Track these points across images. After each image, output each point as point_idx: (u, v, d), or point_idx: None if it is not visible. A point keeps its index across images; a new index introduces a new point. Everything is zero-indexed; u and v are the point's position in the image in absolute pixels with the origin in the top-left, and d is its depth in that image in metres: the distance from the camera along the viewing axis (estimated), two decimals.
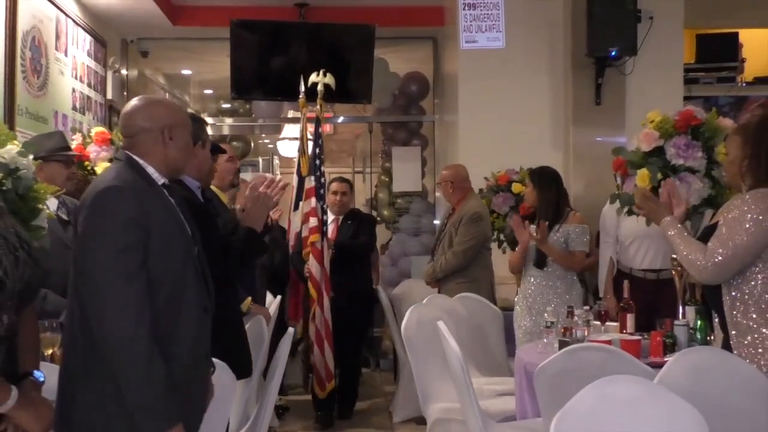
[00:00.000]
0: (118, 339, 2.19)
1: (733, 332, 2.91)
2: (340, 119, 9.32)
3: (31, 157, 3.16)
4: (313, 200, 5.82)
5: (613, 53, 6.42)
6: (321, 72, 6.06)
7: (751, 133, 2.95)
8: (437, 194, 8.47)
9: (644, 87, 6.67)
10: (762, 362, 2.78)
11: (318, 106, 6.07)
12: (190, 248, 2.47)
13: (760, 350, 2.82)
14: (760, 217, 2.79)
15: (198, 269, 2.48)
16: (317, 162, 5.96)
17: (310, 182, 5.89)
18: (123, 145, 2.57)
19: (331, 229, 6.19)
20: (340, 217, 6.27)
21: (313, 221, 5.77)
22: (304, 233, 5.81)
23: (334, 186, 6.28)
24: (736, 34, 8.46)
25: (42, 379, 2.13)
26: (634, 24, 6.43)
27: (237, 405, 3.70)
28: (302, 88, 6.02)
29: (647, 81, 6.68)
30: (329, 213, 6.21)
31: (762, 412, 2.69)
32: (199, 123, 3.46)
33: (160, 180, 2.48)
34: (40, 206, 3.10)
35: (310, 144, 6.08)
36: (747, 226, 2.81)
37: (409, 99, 8.88)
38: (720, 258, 2.82)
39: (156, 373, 2.22)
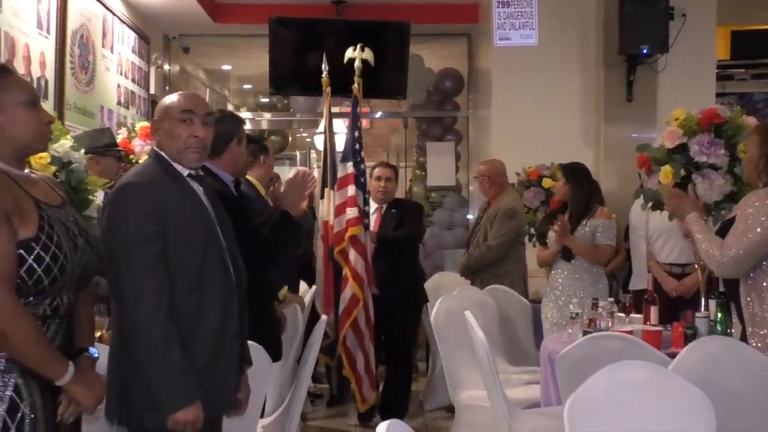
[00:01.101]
0: (136, 326, 2.37)
1: (749, 323, 3.02)
2: (378, 114, 9.47)
3: (82, 151, 3.36)
4: (351, 188, 5.17)
5: (645, 51, 6.51)
6: (358, 46, 5.50)
7: None
8: (471, 188, 8.59)
9: (676, 84, 6.75)
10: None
11: (356, 84, 5.43)
12: (214, 236, 2.60)
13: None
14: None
15: (223, 254, 2.61)
16: (356, 146, 5.30)
17: (345, 169, 5.26)
18: None
19: (373, 219, 5.60)
20: (384, 207, 5.67)
21: (351, 212, 5.11)
22: (338, 227, 5.15)
23: (378, 171, 5.68)
24: None
25: (96, 355, 2.32)
26: (665, 22, 6.50)
27: (272, 388, 3.88)
28: (325, 66, 5.60)
29: (679, 78, 6.76)
30: (371, 202, 5.63)
31: None
32: (236, 120, 3.63)
33: (185, 172, 2.60)
34: (91, 197, 3.29)
35: (343, 127, 5.92)
36: (762, 220, 2.92)
37: (444, 95, 9.01)
38: (734, 252, 2.94)
39: (172, 356, 2.37)
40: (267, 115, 9.49)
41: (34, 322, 2.11)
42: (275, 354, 3.48)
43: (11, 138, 2.15)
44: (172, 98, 2.69)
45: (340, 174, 5.26)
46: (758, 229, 2.92)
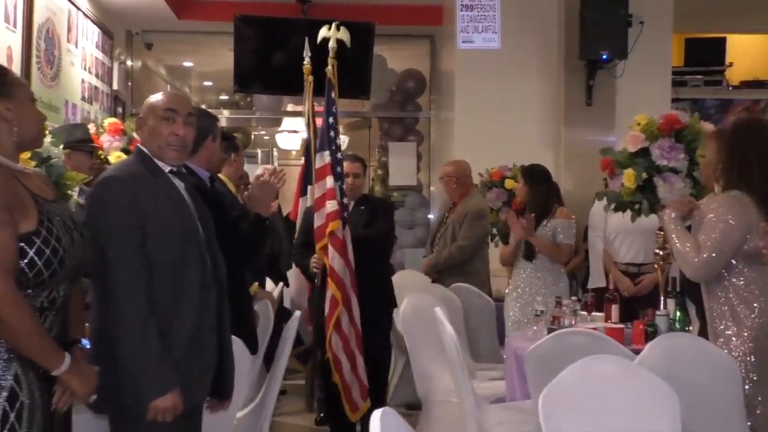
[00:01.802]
0: (115, 317, 2.45)
1: (709, 320, 3.18)
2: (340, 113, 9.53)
3: (61, 146, 3.39)
4: (329, 180, 4.69)
5: (605, 57, 6.69)
6: (333, 25, 5.04)
7: (726, 139, 3.22)
8: (432, 188, 8.72)
9: (634, 89, 6.94)
10: (731, 347, 3.04)
11: (330, 67, 4.94)
12: (193, 231, 2.68)
13: (732, 338, 3.09)
14: (730, 220, 3.05)
15: (201, 247, 2.68)
16: (331, 134, 4.82)
17: (322, 159, 4.77)
18: None
19: None
20: (351, 203, 5.08)
21: (330, 205, 4.63)
22: (318, 222, 4.66)
23: (346, 166, 5.06)
24: (724, 38, 8.78)
25: (88, 346, 2.37)
26: (625, 28, 6.69)
27: (244, 382, 3.94)
28: (307, 52, 5.35)
29: (637, 83, 6.95)
30: None
31: (731, 392, 2.94)
32: (211, 118, 3.71)
33: (167, 168, 2.69)
34: (70, 192, 3.32)
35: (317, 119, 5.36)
36: (727, 221, 3.07)
37: (406, 95, 9.13)
38: (707, 256, 3.05)
39: (150, 346, 2.45)
40: (226, 113, 9.51)
41: (34, 313, 2.16)
42: (253, 347, 3.55)
43: (20, 131, 2.22)
44: (157, 97, 2.77)
45: (317, 165, 4.81)
46: (723, 232, 3.05)
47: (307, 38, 5.40)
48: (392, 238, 5.45)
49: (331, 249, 4.59)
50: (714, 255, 3.05)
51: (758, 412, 2.99)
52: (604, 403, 2.55)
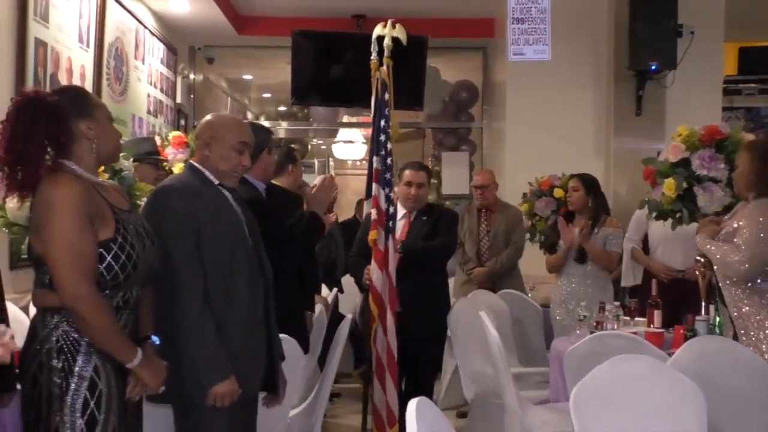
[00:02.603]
0: (176, 312, 2.69)
1: (738, 325, 3.33)
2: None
3: (131, 159, 3.68)
4: (374, 187, 4.47)
5: (654, 67, 6.77)
6: (389, 22, 4.67)
7: (759, 150, 3.36)
8: None
9: (684, 99, 7.01)
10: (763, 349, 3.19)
11: (384, 67, 4.61)
12: (242, 236, 2.91)
13: (763, 341, 3.23)
14: (762, 223, 3.22)
15: (250, 251, 2.91)
16: (381, 138, 4.53)
17: (375, 163, 4.52)
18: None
19: (400, 226, 4.81)
20: (413, 213, 4.87)
21: (373, 214, 4.45)
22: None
23: (408, 175, 4.84)
24: None
25: (158, 342, 2.62)
26: (674, 39, 6.76)
27: (298, 381, 4.17)
28: (375, 47, 4.71)
29: (687, 93, 7.02)
30: (399, 207, 4.84)
31: (760, 391, 3.08)
32: (266, 132, 3.97)
33: (216, 181, 2.93)
34: (139, 203, 3.60)
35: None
36: (756, 229, 3.23)
37: (459, 106, 9.31)
38: (748, 253, 3.24)
39: (207, 337, 2.69)
40: (284, 124, 9.82)
41: (112, 312, 2.40)
42: (305, 347, 3.78)
43: (99, 148, 2.47)
44: (228, 123, 3.03)
45: (374, 167, 4.54)
46: (757, 234, 3.23)
47: (375, 37, 4.78)
48: (451, 252, 5.08)
49: (373, 262, 4.38)
50: (756, 251, 3.22)
51: None
52: (633, 401, 2.71)
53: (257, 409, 3.04)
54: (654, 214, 4.43)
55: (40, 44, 4.87)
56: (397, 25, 4.65)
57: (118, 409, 2.42)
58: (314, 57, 7.95)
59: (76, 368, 2.34)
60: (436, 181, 9.50)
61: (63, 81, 5.20)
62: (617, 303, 4.63)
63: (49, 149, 2.38)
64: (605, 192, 6.67)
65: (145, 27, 7.06)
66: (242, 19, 8.31)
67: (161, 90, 7.67)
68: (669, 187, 4.23)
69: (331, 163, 11.44)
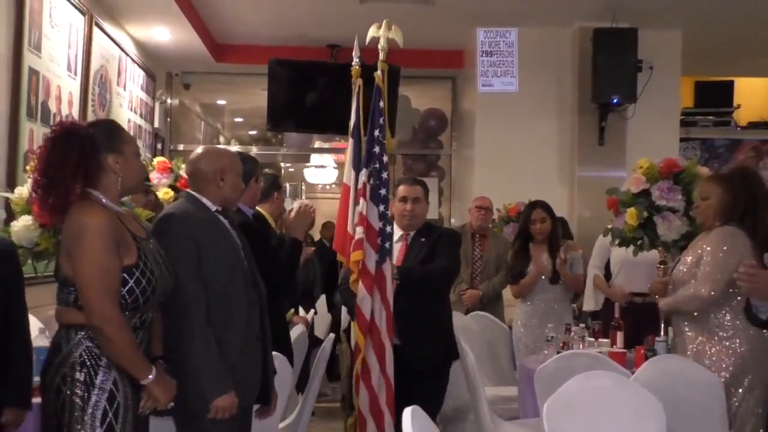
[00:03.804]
0: (180, 330, 2.87)
1: (696, 344, 3.62)
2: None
3: None
4: (362, 203, 4.00)
5: (615, 100, 7.14)
6: (384, 23, 4.25)
7: (735, 184, 3.66)
8: (453, 221, 9.12)
9: (644, 130, 7.39)
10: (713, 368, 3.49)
11: (379, 72, 4.22)
12: (239, 257, 3.12)
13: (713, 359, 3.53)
14: (724, 249, 3.51)
15: (246, 272, 3.12)
16: (376, 149, 4.08)
17: (361, 178, 4.07)
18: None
19: (397, 249, 4.31)
20: (411, 234, 4.36)
21: (358, 233, 3.97)
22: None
23: (403, 190, 4.35)
24: (732, 82, 9.19)
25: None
26: (634, 74, 7.15)
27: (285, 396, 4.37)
28: (356, 52, 4.39)
29: (647, 125, 7.40)
30: (396, 228, 4.33)
31: (715, 405, 3.36)
32: (254, 162, 4.23)
33: (213, 208, 3.14)
34: None
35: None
36: (719, 257, 3.52)
37: (428, 133, 9.59)
38: (711, 284, 3.54)
39: (210, 352, 2.88)
40: (255, 149, 10.02)
41: (131, 332, 2.60)
42: (290, 361, 3.99)
43: (124, 181, 2.68)
44: (232, 156, 3.31)
45: (357, 184, 4.10)
46: (718, 261, 3.51)
47: (356, 37, 4.42)
48: (453, 276, 4.53)
49: (360, 286, 3.92)
50: (717, 277, 3.52)
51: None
52: (600, 413, 2.97)
53: (252, 420, 3.24)
54: (617, 241, 4.72)
55: (33, 73, 5.05)
56: (393, 26, 4.25)
57: (133, 420, 2.62)
58: (290, 85, 8.11)
59: (97, 381, 2.53)
60: None
61: (53, 108, 5.38)
62: (582, 325, 4.91)
63: (80, 178, 2.57)
64: (570, 217, 7.02)
65: (127, 54, 7.25)
66: (220, 47, 8.52)
67: (140, 115, 7.84)
68: (631, 216, 4.52)
69: (303, 187, 11.66)
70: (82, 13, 5.93)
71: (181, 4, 6.75)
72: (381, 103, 4.14)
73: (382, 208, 3.99)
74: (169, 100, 9.07)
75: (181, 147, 9.14)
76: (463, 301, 6.15)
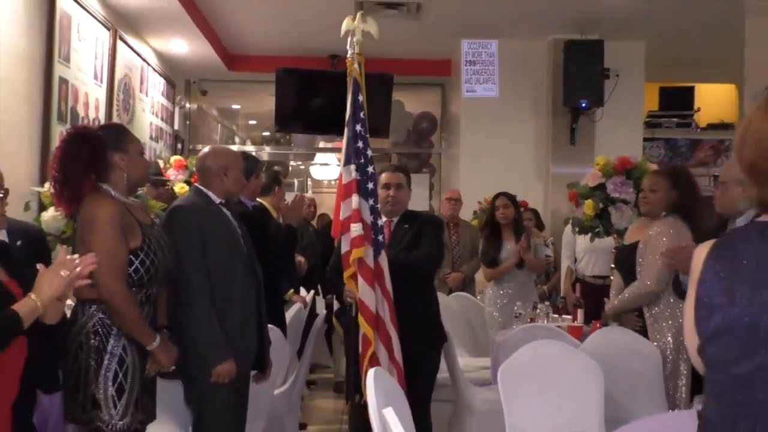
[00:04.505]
0: (188, 308, 3.01)
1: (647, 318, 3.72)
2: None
3: None
4: (354, 199, 3.68)
5: (584, 105, 7.25)
6: (358, 16, 3.81)
7: (683, 179, 3.76)
8: (441, 213, 9.22)
9: (610, 131, 7.48)
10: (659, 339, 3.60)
11: (356, 65, 3.78)
12: (239, 245, 3.23)
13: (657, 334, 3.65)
14: (665, 239, 3.61)
15: (245, 257, 3.24)
16: (359, 144, 3.75)
17: (348, 174, 3.71)
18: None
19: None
20: (394, 220, 4.06)
21: (355, 229, 3.64)
22: (345, 248, 3.69)
23: (385, 177, 4.06)
24: (693, 87, 9.29)
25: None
26: (601, 81, 7.26)
27: (280, 366, 4.52)
28: (351, 46, 3.82)
29: (613, 126, 7.49)
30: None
31: (654, 374, 3.49)
32: (255, 161, 4.39)
33: (217, 200, 3.26)
34: (152, 217, 3.94)
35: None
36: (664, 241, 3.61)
37: (420, 134, 9.70)
38: (655, 276, 3.60)
39: (212, 327, 3.02)
40: (268, 148, 10.17)
41: (137, 304, 2.73)
42: (284, 333, 4.14)
43: (130, 176, 2.81)
44: (236, 154, 3.45)
45: (344, 180, 3.74)
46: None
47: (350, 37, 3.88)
48: (437, 262, 4.16)
49: (360, 280, 3.61)
50: (656, 269, 3.57)
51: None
52: (547, 377, 3.10)
53: (249, 385, 3.36)
54: (577, 229, 4.85)
55: (63, 82, 5.20)
56: (368, 18, 3.82)
57: (140, 381, 2.76)
58: (295, 91, 8.25)
59: (109, 347, 2.67)
60: None
61: (81, 113, 5.53)
62: (547, 303, 5.05)
63: (91, 174, 2.71)
64: (545, 209, 7.15)
65: (149, 64, 7.39)
66: (232, 57, 8.65)
67: (161, 119, 7.99)
68: (589, 207, 4.67)
69: (309, 182, 11.79)
70: (107, 28, 6.07)
71: (196, 19, 6.88)
72: (360, 97, 3.74)
73: (371, 201, 3.71)
74: (187, 105, 9.21)
75: (199, 147, 9.19)
76: (447, 283, 6.25)
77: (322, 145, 9.97)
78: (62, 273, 2.24)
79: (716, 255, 1.57)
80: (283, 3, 7.03)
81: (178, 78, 8.67)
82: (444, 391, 4.97)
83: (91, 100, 5.76)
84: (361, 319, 3.60)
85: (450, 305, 5.64)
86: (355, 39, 3.77)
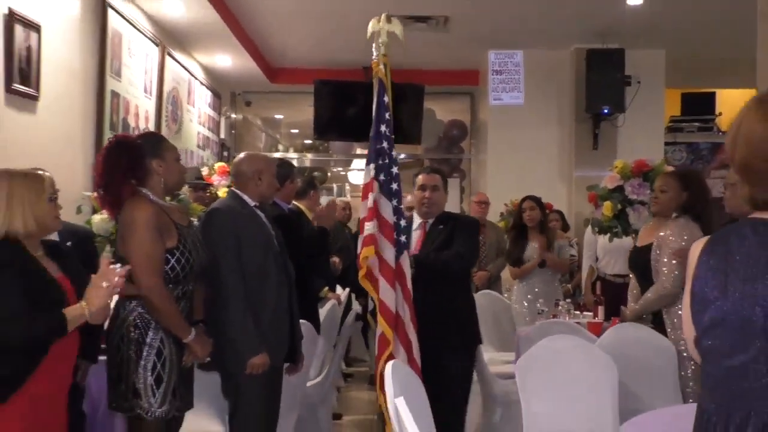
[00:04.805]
0: (224, 305, 3.03)
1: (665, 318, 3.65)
2: (401, 156, 10.13)
3: (186, 186, 4.08)
4: (371, 198, 3.43)
5: (606, 111, 7.16)
6: (383, 17, 3.53)
7: (695, 182, 3.69)
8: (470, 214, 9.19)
9: (632, 136, 7.38)
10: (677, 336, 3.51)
11: (381, 66, 3.47)
12: (271, 245, 3.24)
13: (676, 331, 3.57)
14: (684, 239, 3.52)
15: (277, 257, 3.24)
16: (384, 144, 3.44)
17: (368, 174, 3.46)
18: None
19: (415, 237, 3.89)
20: (429, 222, 3.88)
21: (368, 228, 3.39)
22: (360, 246, 3.43)
23: (421, 178, 3.90)
24: (714, 93, 9.09)
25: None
26: (622, 88, 7.16)
27: (315, 360, 4.54)
28: (378, 48, 3.50)
29: (634, 132, 7.39)
30: (416, 216, 3.96)
31: (668, 367, 3.42)
32: (290, 166, 4.42)
33: (252, 203, 3.28)
34: (192, 219, 3.99)
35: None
36: (683, 243, 3.50)
37: (451, 141, 9.68)
38: (673, 276, 3.50)
39: (246, 321, 3.03)
40: (309, 155, 10.23)
41: (174, 300, 2.77)
42: (317, 329, 4.15)
43: (166, 181, 2.85)
44: (269, 160, 3.47)
45: (364, 180, 3.52)
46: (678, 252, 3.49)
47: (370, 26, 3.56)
48: (469, 261, 3.94)
49: (381, 280, 3.37)
50: (676, 273, 3.48)
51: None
52: (561, 367, 3.06)
53: (282, 377, 3.37)
54: (596, 229, 4.79)
55: (115, 95, 5.30)
56: (394, 19, 3.54)
57: (177, 371, 2.79)
58: (332, 101, 8.25)
59: (148, 339, 2.71)
60: None
61: (132, 123, 5.62)
62: (568, 300, 4.98)
63: (131, 179, 2.76)
64: (569, 211, 7.07)
65: (196, 78, 7.48)
66: (274, 70, 8.73)
67: (208, 128, 8.09)
68: (607, 208, 4.60)
69: (348, 187, 11.84)
70: (156, 45, 6.16)
71: (239, 35, 6.96)
72: (386, 98, 3.45)
73: (395, 202, 3.43)
74: (233, 115, 9.31)
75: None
76: (474, 282, 6.20)
77: (359, 151, 9.99)
78: (104, 285, 2.28)
79: (710, 251, 1.54)
80: (319, 19, 7.07)
81: (224, 90, 8.77)
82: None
83: (141, 112, 5.85)
84: (380, 319, 3.34)
85: (477, 302, 5.59)
86: (380, 41, 3.50)
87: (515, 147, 7.84)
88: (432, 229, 3.84)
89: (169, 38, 6.57)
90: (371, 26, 3.52)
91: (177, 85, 6.83)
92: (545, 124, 7.81)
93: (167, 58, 6.42)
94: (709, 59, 8.03)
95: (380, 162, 3.42)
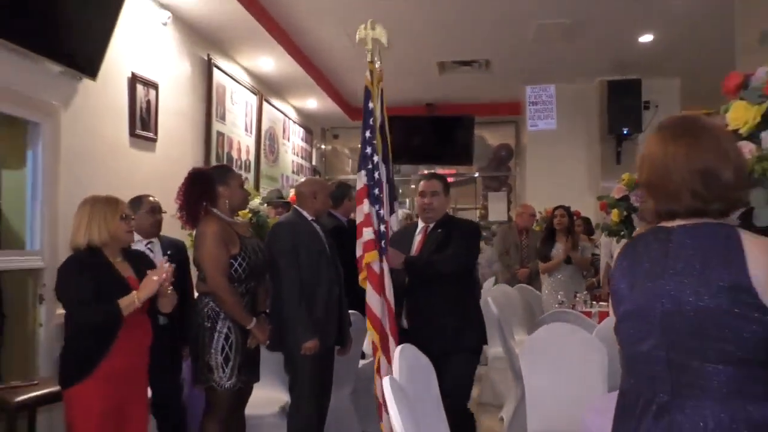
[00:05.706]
0: (284, 297, 3.07)
1: None
2: (459, 174, 10.05)
3: (265, 204, 4.18)
4: (366, 204, 2.86)
5: (626, 132, 6.86)
6: (368, 24, 2.99)
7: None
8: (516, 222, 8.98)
9: None
10: None
11: (367, 73, 2.97)
12: (324, 250, 3.26)
13: None
14: None
15: (329, 260, 3.24)
16: (367, 150, 2.92)
17: (360, 180, 2.89)
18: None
19: (417, 241, 3.28)
20: (430, 226, 3.27)
21: (367, 233, 2.85)
22: (359, 252, 2.89)
23: (421, 185, 3.34)
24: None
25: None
26: (640, 112, 6.84)
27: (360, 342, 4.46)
28: (376, 55, 3.02)
29: None
30: (419, 221, 3.36)
31: None
32: (347, 187, 4.40)
33: (309, 217, 3.32)
34: (267, 230, 4.09)
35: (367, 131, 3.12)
36: None
37: (499, 161, 9.48)
38: None
39: (301, 312, 3.06)
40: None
41: (238, 295, 2.84)
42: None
43: (230, 203, 2.92)
44: (323, 183, 3.50)
45: (357, 185, 2.94)
46: None
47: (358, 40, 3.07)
48: (463, 262, 3.18)
49: (368, 286, 2.86)
50: None
51: None
52: (559, 350, 2.94)
53: (334, 357, 3.38)
54: (606, 233, 4.58)
55: (220, 134, 5.50)
56: (377, 26, 2.99)
57: (243, 352, 2.86)
58: (401, 132, 8.34)
59: (218, 327, 2.79)
60: (484, 212, 9.69)
61: (234, 156, 5.81)
62: (585, 292, 4.80)
63: (204, 202, 2.86)
64: (596, 219, 6.79)
65: (289, 118, 7.67)
66: (353, 108, 8.82)
67: (301, 157, 8.26)
68: (615, 215, 4.39)
69: (416, 202, 11.82)
70: (254, 94, 6.36)
71: (322, 84, 7.09)
72: (370, 104, 2.96)
73: (377, 208, 2.87)
74: (323, 146, 9.47)
75: (334, 178, 9.51)
76: (518, 277, 6.08)
77: (425, 171, 9.97)
78: (154, 278, 2.38)
79: (624, 254, 1.47)
80: (385, 66, 7.09)
81: (315, 126, 8.94)
82: (501, 361, 4.87)
83: (243, 147, 6.04)
84: (368, 325, 2.85)
85: (514, 294, 5.48)
86: (367, 48, 2.96)
87: (549, 164, 7.65)
88: (431, 233, 3.28)
89: (266, 88, 6.76)
90: (359, 34, 3.01)
91: (273, 124, 7.01)
92: (575, 144, 7.59)
93: (264, 104, 6.60)
94: (720, 88, 7.53)
95: (366, 167, 2.90)
